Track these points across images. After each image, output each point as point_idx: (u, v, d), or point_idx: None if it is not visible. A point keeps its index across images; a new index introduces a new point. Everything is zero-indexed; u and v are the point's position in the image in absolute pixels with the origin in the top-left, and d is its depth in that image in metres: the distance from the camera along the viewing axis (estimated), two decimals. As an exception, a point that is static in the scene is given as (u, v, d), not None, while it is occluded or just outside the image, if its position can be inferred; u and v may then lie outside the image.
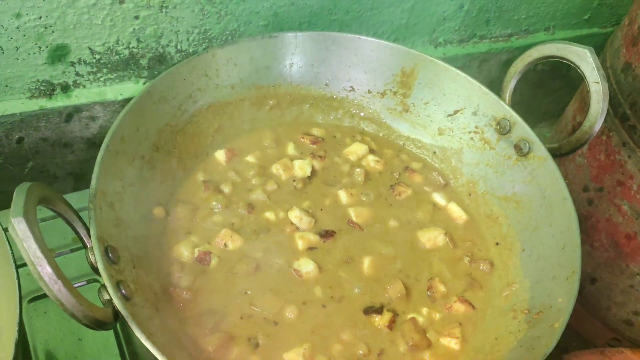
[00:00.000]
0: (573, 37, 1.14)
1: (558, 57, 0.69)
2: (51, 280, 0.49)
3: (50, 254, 0.50)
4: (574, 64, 0.68)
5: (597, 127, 0.68)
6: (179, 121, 0.78)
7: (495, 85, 0.83)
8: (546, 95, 1.19)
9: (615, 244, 0.86)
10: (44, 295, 0.75)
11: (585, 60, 0.67)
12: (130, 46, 0.83)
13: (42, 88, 0.82)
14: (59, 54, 0.79)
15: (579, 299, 0.64)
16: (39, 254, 0.49)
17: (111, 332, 0.74)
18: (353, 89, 0.89)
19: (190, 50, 0.87)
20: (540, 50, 0.71)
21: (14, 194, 0.51)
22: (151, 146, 0.74)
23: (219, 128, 0.83)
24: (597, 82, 0.67)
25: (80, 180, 0.94)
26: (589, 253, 0.84)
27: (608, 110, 0.81)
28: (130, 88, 0.87)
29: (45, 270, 0.49)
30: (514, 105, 0.79)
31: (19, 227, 0.48)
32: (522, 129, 0.77)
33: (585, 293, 0.67)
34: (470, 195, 0.83)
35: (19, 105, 0.81)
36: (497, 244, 0.77)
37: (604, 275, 0.89)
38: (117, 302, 0.54)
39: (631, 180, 0.82)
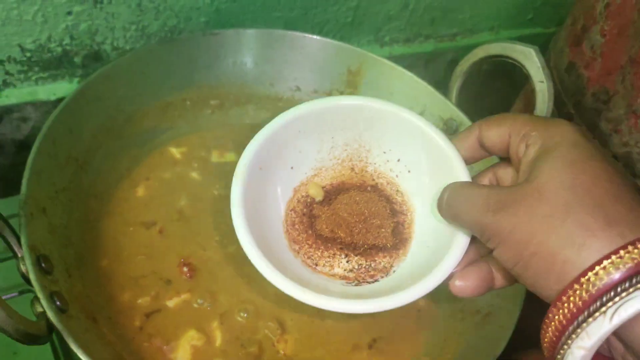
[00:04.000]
0: (517, 37, 1.15)
1: (504, 57, 0.69)
2: (-25, 293, 0.46)
3: (-26, 264, 0.46)
4: (519, 63, 0.68)
5: (543, 126, 0.68)
6: (116, 122, 0.75)
7: (442, 86, 0.82)
8: (490, 95, 1.20)
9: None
10: (-25, 307, 0.71)
11: (530, 59, 0.67)
12: (64, 43, 0.79)
13: (-31, 87, 0.77)
14: (-14, 51, 0.75)
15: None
16: (-39, 265, 0.45)
17: (48, 345, 0.71)
18: (299, 89, 0.87)
19: (128, 48, 0.84)
20: (485, 50, 0.71)
21: None
22: (85, 149, 0.70)
23: (159, 129, 0.80)
24: (542, 82, 0.67)
25: (11, 185, 0.88)
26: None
27: (552, 109, 0.81)
28: (63, 87, 0.83)
29: (-32, 282, 0.46)
30: (460, 105, 0.79)
31: (-60, 237, 0.45)
32: (468, 128, 0.76)
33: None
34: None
35: (-55, 106, 0.76)
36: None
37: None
38: (51, 315, 0.51)
39: (575, 178, 0.83)
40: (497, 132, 0.50)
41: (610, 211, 0.38)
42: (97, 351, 0.54)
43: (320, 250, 0.59)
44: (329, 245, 0.59)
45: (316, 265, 0.58)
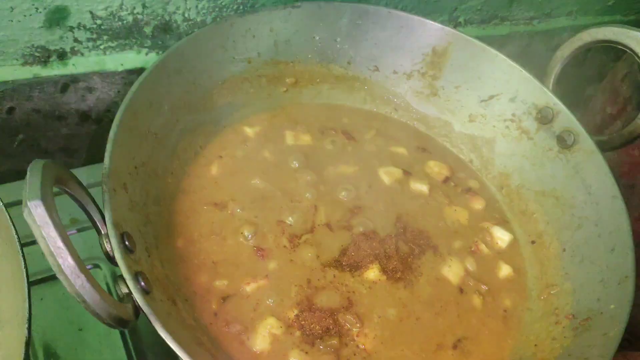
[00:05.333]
0: (595, 24, 1.10)
1: (612, 42, 0.64)
2: (73, 274, 0.43)
3: (71, 243, 0.43)
4: (631, 50, 0.63)
5: (655, 119, 0.64)
6: (193, 97, 0.72)
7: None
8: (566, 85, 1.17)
9: (643, 242, 0.83)
10: (41, 280, 0.68)
11: (647, 46, 0.62)
12: (135, 12, 0.76)
13: (37, 54, 0.75)
14: (57, 17, 0.72)
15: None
16: (59, 243, 0.42)
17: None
18: (377, 69, 0.83)
19: (198, 20, 0.81)
20: (592, 34, 0.66)
21: (28, 172, 0.45)
22: (163, 123, 0.67)
23: (233, 105, 0.77)
24: (658, 71, 0.62)
25: (72, 156, 0.87)
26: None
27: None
28: (131, 58, 0.80)
29: (67, 262, 0.43)
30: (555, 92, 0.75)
31: (37, 212, 0.42)
32: (566, 118, 0.72)
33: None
34: (502, 189, 0.78)
35: (11, 72, 0.74)
36: (532, 242, 0.73)
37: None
38: (137, 297, 0.48)
39: (665, 177, 0.79)
40: None
41: None
42: (180, 336, 0.52)
43: None
44: None
45: None
